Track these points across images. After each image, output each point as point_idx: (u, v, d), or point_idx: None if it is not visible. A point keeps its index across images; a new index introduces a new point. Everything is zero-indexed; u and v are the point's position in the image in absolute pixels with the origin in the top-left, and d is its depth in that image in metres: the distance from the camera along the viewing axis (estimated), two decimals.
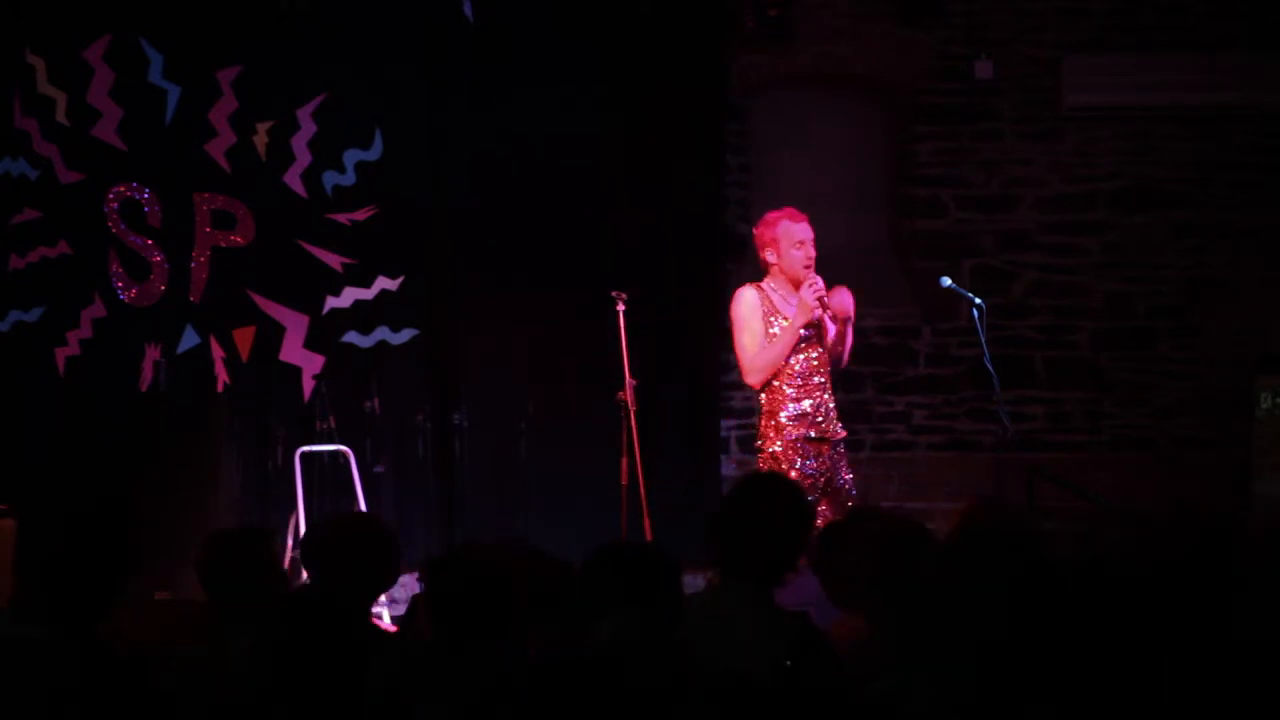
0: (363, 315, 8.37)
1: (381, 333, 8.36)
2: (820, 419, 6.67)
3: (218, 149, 8.28)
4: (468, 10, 8.37)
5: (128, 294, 8.26)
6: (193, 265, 8.31)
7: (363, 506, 8.00)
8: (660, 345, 8.14)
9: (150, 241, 8.28)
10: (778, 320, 6.66)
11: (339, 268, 8.37)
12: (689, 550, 5.22)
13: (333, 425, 8.33)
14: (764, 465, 6.64)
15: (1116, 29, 8.88)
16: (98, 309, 8.24)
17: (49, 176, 8.20)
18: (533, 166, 8.40)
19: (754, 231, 6.87)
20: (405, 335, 8.41)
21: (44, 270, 8.22)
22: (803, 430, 6.63)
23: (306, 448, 8.16)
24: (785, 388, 6.64)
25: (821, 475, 6.63)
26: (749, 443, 8.88)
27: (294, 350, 8.36)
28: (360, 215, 8.37)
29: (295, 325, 8.35)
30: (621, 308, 7.07)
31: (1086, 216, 8.97)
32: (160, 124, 8.24)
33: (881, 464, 8.90)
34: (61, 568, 3.25)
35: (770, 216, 6.78)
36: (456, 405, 8.49)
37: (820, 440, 6.65)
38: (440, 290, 8.49)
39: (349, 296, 8.37)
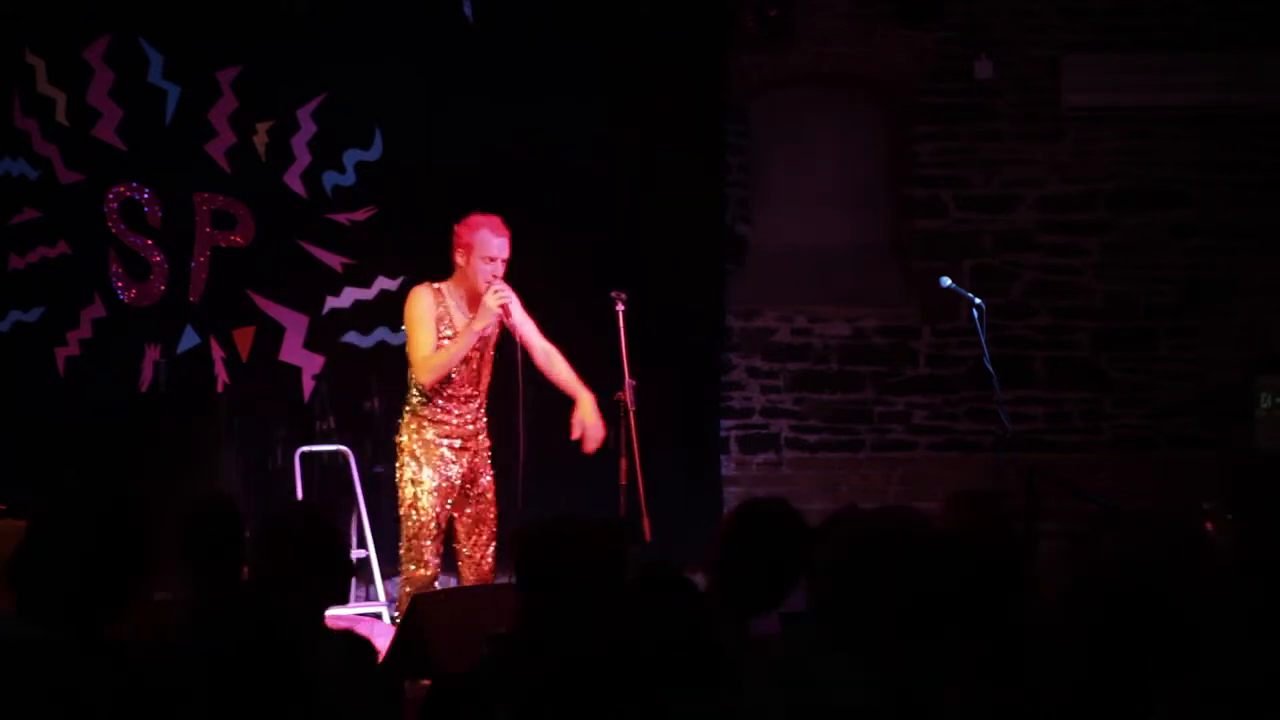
0: (363, 315, 8.37)
1: (381, 333, 8.36)
2: (467, 428, 6.71)
3: (218, 149, 8.28)
4: (468, 10, 8.37)
5: (128, 294, 8.27)
6: (193, 265, 8.31)
7: (363, 507, 8.00)
8: (660, 345, 8.12)
9: (150, 241, 8.28)
10: (444, 327, 6.66)
11: (339, 268, 8.38)
12: (689, 550, 5.22)
13: (333, 425, 8.33)
14: (401, 455, 6.70)
15: (1116, 29, 8.88)
16: (98, 309, 8.24)
17: (49, 176, 8.21)
18: (532, 166, 8.39)
19: (455, 228, 6.73)
20: (405, 335, 8.40)
21: (44, 270, 8.22)
22: (444, 438, 6.68)
23: (306, 448, 8.17)
24: (437, 396, 6.67)
25: (460, 479, 6.69)
26: (749, 443, 8.91)
27: (294, 350, 8.37)
28: (360, 215, 8.38)
29: (295, 325, 8.36)
30: (621, 308, 7.05)
31: (1086, 216, 8.96)
32: (160, 124, 8.25)
33: (881, 464, 8.90)
34: (77, 568, 3.23)
35: (473, 220, 6.67)
36: None
37: (461, 448, 6.71)
38: None
39: (349, 296, 8.38)
